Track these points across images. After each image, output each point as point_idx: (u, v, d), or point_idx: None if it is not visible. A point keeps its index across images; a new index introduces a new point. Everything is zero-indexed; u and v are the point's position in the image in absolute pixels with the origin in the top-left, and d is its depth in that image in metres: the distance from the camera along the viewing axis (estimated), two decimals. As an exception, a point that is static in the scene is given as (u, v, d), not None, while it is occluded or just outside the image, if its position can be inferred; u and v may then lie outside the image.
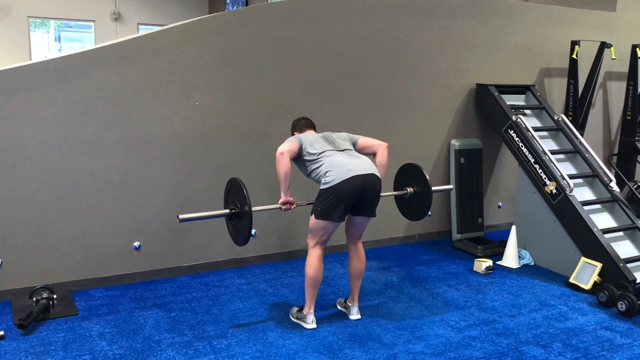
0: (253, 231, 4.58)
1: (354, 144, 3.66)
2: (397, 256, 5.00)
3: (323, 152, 3.47)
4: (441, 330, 3.59)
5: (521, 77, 5.69)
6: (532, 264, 4.86)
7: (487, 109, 5.36)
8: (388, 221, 5.01)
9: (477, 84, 5.41)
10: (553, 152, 4.79)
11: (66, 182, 3.90)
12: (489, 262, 4.63)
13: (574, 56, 5.64)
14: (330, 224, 3.42)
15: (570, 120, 5.38)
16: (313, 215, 3.45)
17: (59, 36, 12.68)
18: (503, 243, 5.00)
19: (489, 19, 5.40)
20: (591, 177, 4.86)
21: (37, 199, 3.83)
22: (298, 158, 3.53)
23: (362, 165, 3.42)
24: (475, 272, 4.64)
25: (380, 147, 3.64)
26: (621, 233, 4.56)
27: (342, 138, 3.65)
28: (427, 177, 3.85)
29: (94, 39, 12.02)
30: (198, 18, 4.23)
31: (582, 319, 3.81)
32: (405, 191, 3.96)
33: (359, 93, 4.86)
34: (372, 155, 3.65)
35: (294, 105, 4.55)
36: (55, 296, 3.69)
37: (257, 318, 3.69)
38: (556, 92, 5.97)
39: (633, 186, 5.82)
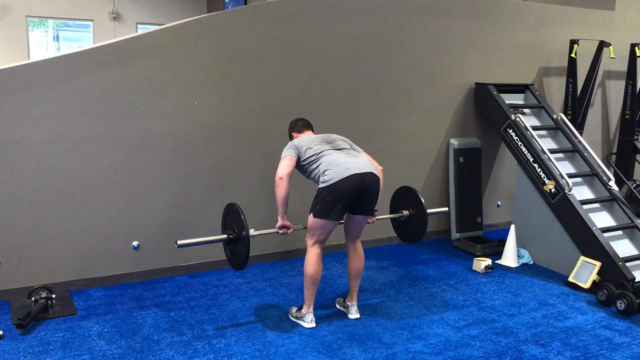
0: (252, 230, 4.57)
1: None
2: (396, 255, 5.00)
3: (321, 151, 3.47)
4: (440, 329, 3.58)
5: (520, 76, 5.69)
6: (531, 263, 4.87)
7: (486, 108, 5.36)
8: (387, 220, 4.99)
9: (476, 83, 5.41)
10: (552, 151, 4.79)
11: (64, 181, 3.89)
12: (488, 261, 4.63)
13: (573, 55, 5.64)
14: (329, 223, 3.42)
15: (569, 119, 5.38)
16: (312, 214, 3.45)
17: (58, 35, 12.65)
18: (502, 242, 5.00)
19: (488, 17, 5.40)
20: (590, 176, 4.86)
21: (36, 198, 3.82)
22: (297, 165, 3.54)
23: (361, 164, 3.42)
24: (475, 271, 4.64)
25: (376, 169, 3.60)
26: (620, 232, 4.57)
27: (342, 139, 3.66)
28: (423, 200, 3.91)
29: (92, 39, 12.01)
30: (197, 17, 4.23)
31: (581, 318, 3.81)
32: (401, 214, 4.03)
33: (357, 92, 4.86)
34: None
35: (292, 104, 4.54)
36: (54, 296, 3.68)
37: (256, 317, 3.68)
38: (555, 91, 5.97)
39: (632, 185, 5.82)
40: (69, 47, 12.73)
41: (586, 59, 5.80)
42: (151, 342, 3.32)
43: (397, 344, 3.37)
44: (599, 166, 4.87)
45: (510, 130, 4.95)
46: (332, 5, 4.62)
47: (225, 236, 3.51)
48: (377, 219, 3.77)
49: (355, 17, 4.73)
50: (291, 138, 3.78)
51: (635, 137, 6.08)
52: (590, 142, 5.25)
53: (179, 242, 3.43)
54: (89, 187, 3.97)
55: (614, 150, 6.40)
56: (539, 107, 5.33)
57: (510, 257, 4.81)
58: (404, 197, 4.05)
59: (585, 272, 4.28)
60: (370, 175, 3.41)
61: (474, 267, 4.67)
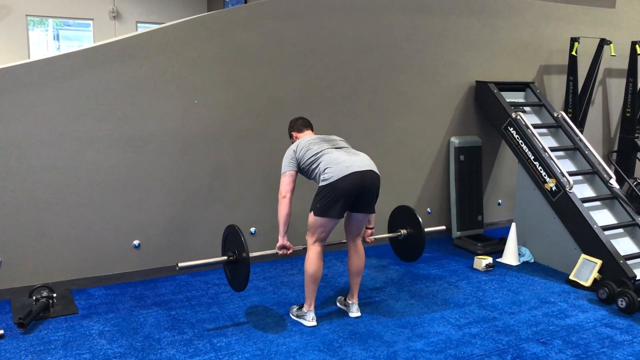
0: (252, 229, 4.58)
1: None
2: (397, 254, 5.00)
3: (321, 150, 3.48)
4: (441, 327, 3.58)
5: (521, 74, 5.68)
6: (532, 261, 4.86)
7: (486, 106, 5.36)
8: (387, 215, 4.99)
9: (476, 81, 5.41)
10: (553, 149, 4.79)
11: (65, 180, 3.89)
12: (488, 260, 4.63)
13: (573, 53, 5.64)
14: (330, 221, 3.42)
15: (569, 117, 5.38)
16: (312, 212, 3.45)
17: (58, 35, 12.64)
18: (503, 240, 5.00)
19: (489, 16, 5.39)
20: (591, 174, 4.86)
21: (36, 197, 3.83)
22: (298, 171, 3.57)
23: (361, 162, 3.42)
24: (475, 269, 4.64)
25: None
26: (621, 230, 4.56)
27: (341, 139, 3.67)
28: (420, 219, 3.97)
29: (92, 38, 12.00)
30: (197, 16, 4.22)
31: (582, 316, 3.81)
32: (399, 233, 4.10)
33: (358, 90, 4.86)
34: None
35: (293, 103, 4.54)
36: (55, 295, 3.68)
37: (257, 316, 3.69)
38: (556, 89, 5.96)
39: (633, 183, 5.81)
40: (69, 46, 12.71)
41: (587, 57, 5.79)
42: (152, 341, 3.32)
43: (398, 343, 3.37)
44: (600, 164, 4.87)
45: (511, 129, 4.95)
46: (332, 4, 4.62)
47: (225, 258, 3.55)
48: (374, 238, 3.88)
49: (357, 16, 4.72)
50: (291, 137, 3.79)
51: (636, 135, 6.08)
52: (590, 140, 5.25)
53: (180, 264, 3.48)
54: (90, 186, 3.97)
55: (615, 148, 6.40)
56: (540, 105, 5.33)
57: (511, 255, 4.81)
58: (402, 216, 4.12)
59: (586, 270, 4.28)
60: (371, 173, 3.42)
61: (475, 266, 4.67)
